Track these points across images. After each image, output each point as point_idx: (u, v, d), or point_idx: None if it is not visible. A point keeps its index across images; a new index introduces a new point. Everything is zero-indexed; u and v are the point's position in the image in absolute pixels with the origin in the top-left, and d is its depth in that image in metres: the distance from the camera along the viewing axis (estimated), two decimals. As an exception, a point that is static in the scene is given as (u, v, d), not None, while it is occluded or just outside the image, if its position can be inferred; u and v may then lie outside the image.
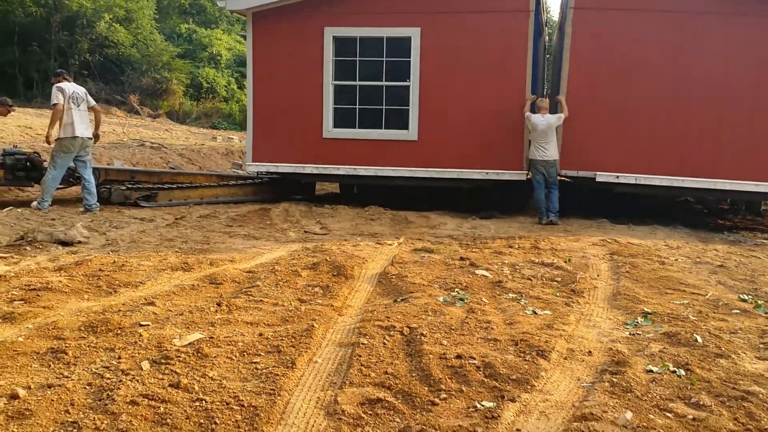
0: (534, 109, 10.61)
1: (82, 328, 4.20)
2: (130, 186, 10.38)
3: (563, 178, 11.33)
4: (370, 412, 3.25)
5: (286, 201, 11.51)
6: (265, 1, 11.20)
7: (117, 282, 5.45)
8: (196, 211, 10.15)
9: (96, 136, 10.01)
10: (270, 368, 3.68)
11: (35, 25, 29.45)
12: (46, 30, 29.63)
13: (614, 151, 10.52)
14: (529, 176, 11.04)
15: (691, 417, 3.34)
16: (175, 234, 8.15)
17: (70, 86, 9.74)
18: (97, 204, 9.61)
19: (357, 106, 11.31)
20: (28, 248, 6.84)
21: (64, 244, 7.16)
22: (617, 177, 10.50)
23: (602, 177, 10.54)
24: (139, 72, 33.47)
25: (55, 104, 9.49)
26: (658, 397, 3.57)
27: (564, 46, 10.68)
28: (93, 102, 10.00)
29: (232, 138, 26.96)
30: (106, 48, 32.06)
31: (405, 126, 11.14)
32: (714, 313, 5.31)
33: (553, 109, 10.95)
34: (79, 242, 7.30)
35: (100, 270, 5.82)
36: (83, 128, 9.65)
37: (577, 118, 10.39)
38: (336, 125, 11.36)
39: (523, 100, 10.70)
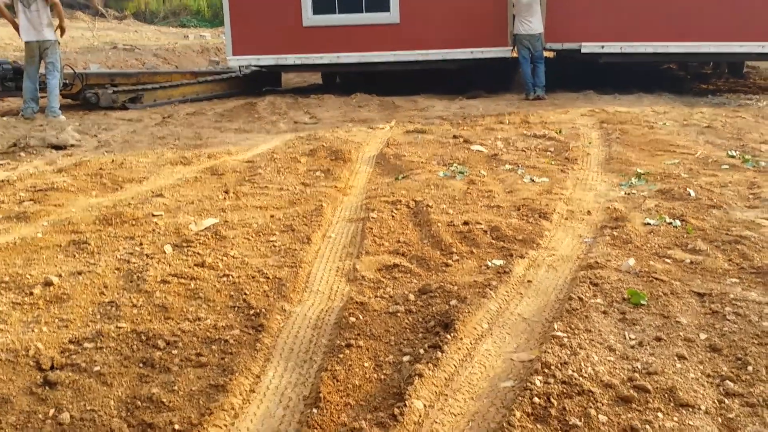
0: None
1: (97, 222, 4.31)
2: (116, 90, 10.25)
3: (548, 52, 11.27)
4: (389, 276, 3.43)
5: (270, 95, 11.43)
6: None
7: (120, 179, 5.52)
8: (183, 110, 10.07)
9: (61, 29, 9.38)
10: (287, 245, 3.84)
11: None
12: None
13: (598, 21, 10.42)
14: (514, 53, 10.97)
15: (688, 261, 3.55)
16: (166, 132, 8.14)
17: None
18: (59, 111, 9.29)
19: (336, -9, 11.07)
20: (22, 154, 6.84)
21: (57, 147, 7.15)
22: (602, 47, 10.47)
23: (587, 48, 10.50)
24: (101, -29, 32.18)
25: None
26: (656, 246, 3.78)
27: None
28: None
29: (204, 35, 26.30)
30: (64, -53, 30.71)
31: (386, 8, 10.93)
32: (704, 169, 5.49)
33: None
34: (72, 145, 7.29)
35: (101, 169, 5.87)
36: (33, 32, 9.09)
37: (559, -11, 10.25)
38: (315, 12, 11.12)
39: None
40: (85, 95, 9.92)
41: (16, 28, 9.25)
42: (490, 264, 3.53)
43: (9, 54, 11.83)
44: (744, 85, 12.26)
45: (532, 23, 10.11)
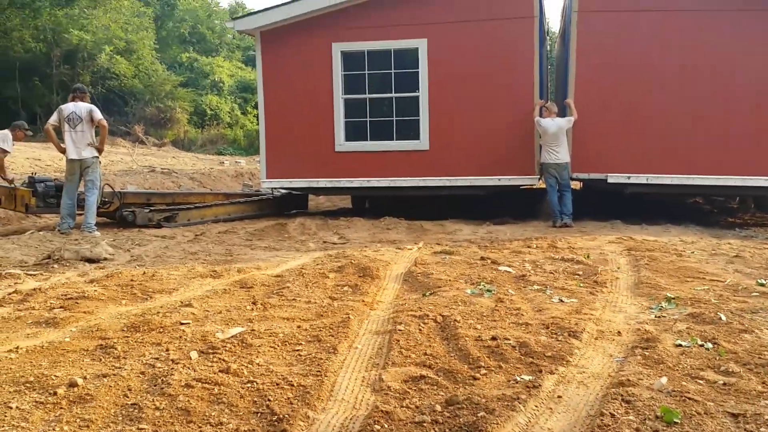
0: (542, 114, 10.78)
1: (125, 329, 4.33)
2: (152, 209, 10.57)
3: (574, 182, 11.46)
4: (415, 388, 3.37)
5: (300, 216, 11.67)
6: (273, 20, 11.46)
7: (150, 289, 5.59)
8: (215, 228, 10.31)
9: (99, 150, 9.78)
10: (313, 354, 3.81)
11: (36, 60, 29.81)
12: (47, 65, 29.99)
13: (624, 153, 10.66)
14: (541, 181, 11.18)
15: (721, 382, 3.45)
16: (198, 248, 8.30)
17: (70, 107, 9.66)
18: (95, 227, 9.52)
19: (368, 119, 11.51)
20: (55, 266, 6.98)
21: (91, 261, 7.31)
22: (628, 177, 10.64)
23: (614, 178, 10.68)
24: (143, 102, 33.82)
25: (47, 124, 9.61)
26: (688, 366, 3.69)
27: (569, 49, 10.88)
28: (99, 117, 9.70)
29: (239, 162, 27.23)
30: (108, 80, 32.41)
31: (416, 136, 11.32)
32: (734, 296, 5.42)
33: (562, 113, 11.12)
34: (105, 259, 7.45)
35: (132, 280, 5.96)
36: (77, 150, 9.53)
37: (586, 121, 10.56)
38: (348, 138, 11.55)
39: (532, 105, 10.87)
40: (121, 213, 10.21)
41: (62, 151, 9.68)
42: (518, 378, 3.46)
43: (49, 175, 12.28)
44: (772, 219, 12.27)
45: (559, 153, 10.36)
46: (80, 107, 9.64)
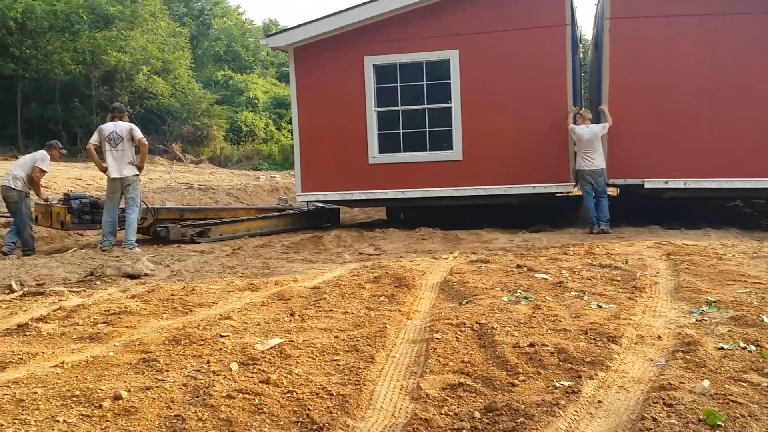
0: (576, 121, 10.71)
1: (167, 342, 4.41)
2: (185, 224, 10.71)
3: (611, 188, 11.36)
4: (453, 395, 3.38)
5: (335, 229, 11.74)
6: (306, 36, 11.59)
7: (190, 303, 5.67)
8: (252, 242, 10.42)
9: (139, 168, 9.94)
10: (351, 364, 3.84)
11: (76, 82, 30.55)
12: (87, 86, 30.70)
13: (661, 157, 10.54)
14: (577, 188, 11.10)
15: (765, 384, 3.40)
16: (236, 263, 8.39)
17: (110, 126, 9.81)
18: (135, 243, 9.68)
19: (401, 131, 11.55)
20: (98, 283, 7.12)
21: (132, 277, 7.44)
22: (666, 182, 10.51)
23: (651, 183, 10.56)
24: (180, 120, 34.39)
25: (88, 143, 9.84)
26: (731, 369, 3.64)
27: (602, 56, 10.82)
28: (139, 135, 9.86)
29: (274, 177, 27.48)
30: (146, 99, 33.05)
31: (449, 146, 11.33)
32: (777, 298, 5.32)
33: (596, 119, 11.04)
34: (146, 275, 7.57)
35: (172, 295, 6.06)
36: (118, 169, 9.68)
37: (620, 126, 10.46)
38: (381, 150, 11.60)
39: (566, 113, 10.81)
40: (155, 229, 10.37)
41: (103, 170, 9.87)
42: (558, 384, 3.45)
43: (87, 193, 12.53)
44: (815, 221, 12.01)
45: (595, 159, 10.28)
46: (120, 126, 9.81)
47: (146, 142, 10.00)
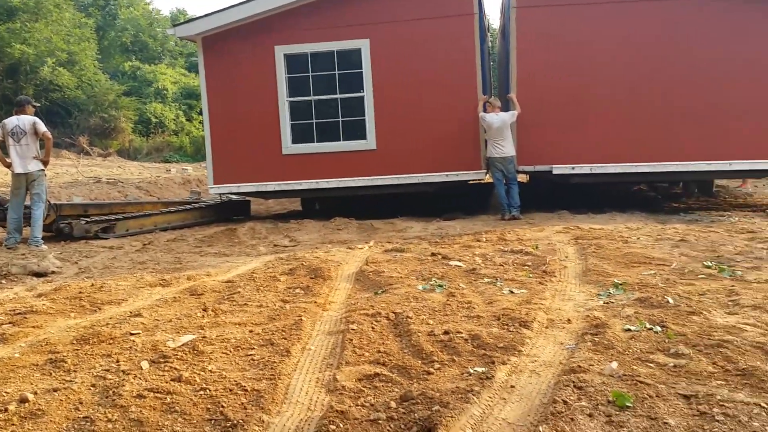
0: (486, 109, 10.88)
1: (75, 342, 4.24)
2: (89, 220, 10.33)
3: (521, 175, 11.60)
4: (369, 386, 3.37)
5: (250, 221, 11.58)
6: (214, 25, 11.34)
7: (99, 301, 5.48)
8: (163, 237, 10.15)
9: (44, 163, 9.48)
10: (266, 358, 3.78)
11: (-23, 76, 29.02)
12: (-10, 80, 29.21)
13: (568, 144, 10.83)
14: (489, 175, 11.28)
15: (672, 364, 3.53)
16: (147, 258, 8.16)
17: (13, 120, 9.36)
18: (41, 240, 9.32)
19: (314, 121, 11.46)
20: (3, 281, 6.81)
21: (38, 275, 7.14)
22: (573, 168, 10.82)
23: (558, 169, 10.85)
24: (86, 113, 33.08)
25: None
26: (638, 350, 3.77)
27: (510, 45, 11.01)
28: (43, 129, 9.38)
29: (186, 169, 26.86)
30: (51, 92, 31.62)
31: (363, 136, 11.32)
32: (681, 279, 5.55)
33: (506, 107, 11.25)
34: (53, 272, 7.28)
35: (80, 293, 5.84)
36: (23, 164, 9.26)
37: (529, 114, 10.68)
38: (294, 141, 11.49)
39: (476, 101, 10.97)
40: (58, 226, 9.96)
41: (7, 165, 9.39)
42: (472, 371, 3.49)
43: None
44: (715, 203, 12.60)
45: (504, 147, 10.47)
46: (23, 120, 9.35)
47: (50, 136, 9.54)
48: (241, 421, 2.96)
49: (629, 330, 4.12)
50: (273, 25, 11.31)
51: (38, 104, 10.31)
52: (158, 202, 12.99)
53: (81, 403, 3.20)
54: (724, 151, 10.58)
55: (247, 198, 12.97)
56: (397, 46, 11.15)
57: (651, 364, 3.55)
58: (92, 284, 6.21)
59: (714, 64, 10.57)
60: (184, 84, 40.20)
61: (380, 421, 2.91)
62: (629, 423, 2.83)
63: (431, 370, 3.55)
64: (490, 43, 17.63)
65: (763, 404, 2.97)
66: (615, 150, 10.73)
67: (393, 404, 3.08)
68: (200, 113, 33.48)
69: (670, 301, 4.72)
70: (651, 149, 10.69)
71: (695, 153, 10.61)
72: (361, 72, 11.24)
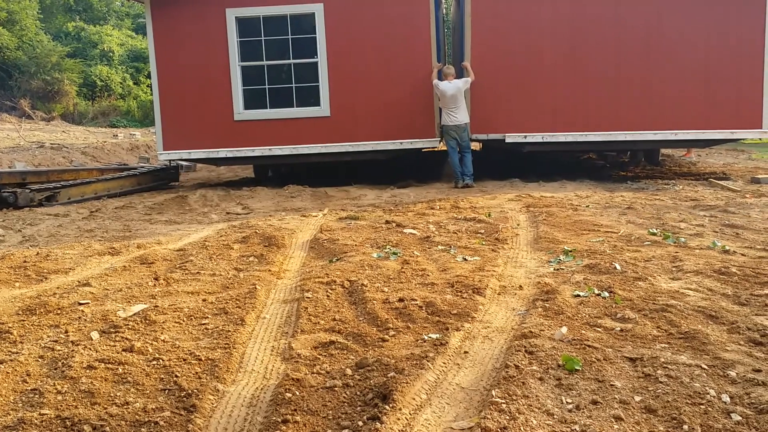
0: (441, 77, 10.86)
1: (20, 312, 4.15)
2: (34, 188, 10.07)
3: (474, 143, 11.65)
4: (325, 354, 3.38)
5: (201, 188, 11.43)
6: (163, -14, 11.03)
7: (45, 270, 5.36)
8: (111, 204, 9.95)
9: None
10: (220, 327, 3.76)
11: None
12: None
13: (521, 113, 10.92)
14: (442, 143, 11.31)
15: (618, 329, 3.62)
16: (94, 225, 7.99)
17: None
18: None
19: (266, 86, 11.29)
20: (-60, 251, 6.59)
21: (-21, 244, 6.94)
22: (525, 137, 10.91)
23: (511, 138, 10.93)
24: (28, 75, 32.05)
25: None
26: (587, 315, 3.85)
27: (464, 12, 10.98)
28: None
29: (134, 134, 26.31)
30: (-10, 53, 30.57)
31: (316, 102, 11.21)
32: (628, 246, 5.68)
33: (459, 75, 11.24)
34: (-5, 241, 7.09)
35: (25, 262, 5.70)
36: None
37: (483, 83, 10.71)
38: (246, 107, 11.32)
39: (430, 69, 10.94)
40: (1, 195, 9.68)
41: None
42: (426, 337, 3.53)
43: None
44: (660, 171, 12.87)
45: (458, 115, 10.49)
46: None
47: None
48: (195, 390, 2.94)
49: (578, 296, 4.21)
50: (224, -13, 11.06)
51: None
52: (93, 169, 12.71)
53: (29, 375, 3.14)
54: (670, 121, 10.80)
55: (176, 163, 12.79)
56: (351, 11, 11.02)
57: (599, 329, 3.64)
58: (38, 253, 6.06)
59: (661, 36, 10.73)
60: (131, 46, 39.18)
61: (336, 389, 2.93)
62: (578, 386, 2.90)
63: (386, 337, 3.57)
64: (444, 11, 17.54)
65: (703, 366, 3.07)
66: (566, 119, 10.86)
67: (349, 371, 3.10)
68: (148, 77, 32.69)
69: (618, 267, 4.82)
70: (600, 119, 10.85)
71: (642, 123, 10.81)
72: (315, 37, 11.08)
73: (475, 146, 14.87)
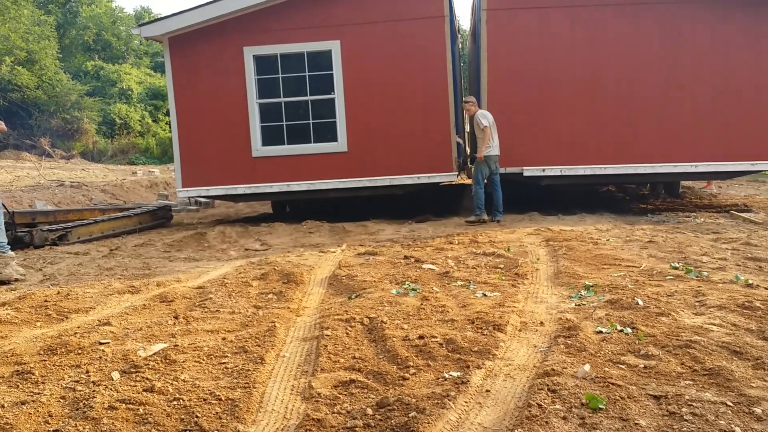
0: (464, 108, 10.81)
1: (42, 352, 4.16)
2: (47, 228, 10.20)
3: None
4: (345, 392, 3.36)
5: (220, 225, 11.49)
6: (182, 25, 11.21)
7: (66, 309, 5.38)
8: (131, 241, 10.03)
9: None
10: (240, 366, 3.74)
11: (-67, 75, 28.36)
12: (-55, 78, 28.56)
13: (539, 146, 10.93)
14: (460, 177, 11.29)
15: (642, 366, 3.57)
16: (114, 264, 8.04)
17: None
18: (7, 246, 9.03)
19: (284, 123, 11.40)
20: (-37, 290, 6.66)
21: (1, 283, 7.00)
22: (543, 170, 10.91)
23: (529, 171, 10.94)
24: (48, 114, 32.52)
25: None
26: (610, 352, 3.80)
27: (480, 47, 11.07)
28: None
29: (153, 171, 26.57)
30: (10, 92, 30.98)
31: (334, 138, 11.29)
32: (650, 280, 5.62)
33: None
34: (17, 280, 7.14)
35: (46, 301, 5.73)
36: None
37: (500, 116, 10.73)
38: (265, 143, 11.42)
39: (447, 103, 10.96)
40: (16, 234, 9.79)
41: None
42: (447, 376, 3.49)
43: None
44: (681, 204, 12.80)
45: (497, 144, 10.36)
46: None
47: (4, 127, 9.07)
48: (215, 431, 2.93)
49: (601, 332, 4.16)
50: (242, 25, 11.23)
51: None
52: (96, 209, 12.88)
53: (51, 415, 3.13)
54: (690, 153, 10.77)
55: (168, 203, 12.97)
56: (367, 47, 11.14)
57: (622, 366, 3.59)
58: (58, 292, 6.10)
59: (679, 67, 10.75)
60: (149, 84, 39.76)
61: (357, 429, 2.90)
62: (602, 425, 2.85)
63: (407, 375, 3.54)
64: (460, 45, 17.69)
65: (729, 403, 3.01)
66: (584, 152, 10.86)
67: (369, 411, 3.07)
68: (167, 114, 33.17)
69: (640, 302, 4.77)
70: (619, 151, 10.84)
71: (662, 155, 10.78)
72: (332, 74, 11.21)
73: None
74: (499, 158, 10.53)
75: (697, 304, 4.83)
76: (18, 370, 3.81)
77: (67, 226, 10.42)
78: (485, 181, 10.41)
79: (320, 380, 3.49)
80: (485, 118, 10.35)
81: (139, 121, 36.74)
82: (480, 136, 10.33)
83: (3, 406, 3.25)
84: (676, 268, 6.07)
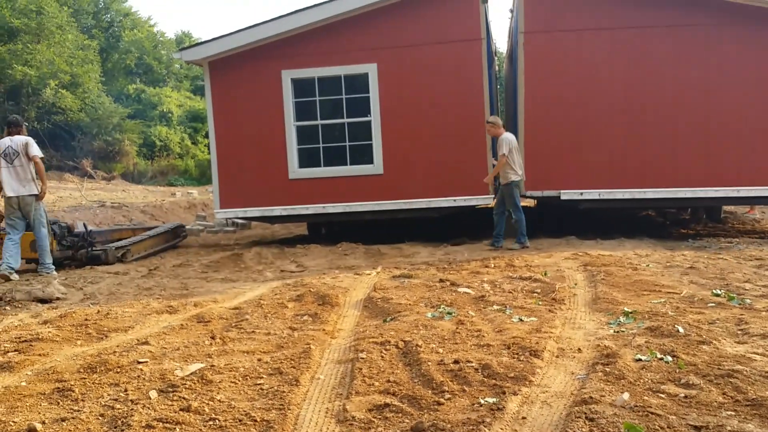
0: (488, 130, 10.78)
1: (82, 370, 4.22)
2: (117, 246, 10.46)
3: (529, 200, 11.56)
4: (380, 416, 3.34)
5: (256, 246, 11.58)
6: (221, 50, 11.41)
7: (106, 328, 5.46)
8: (169, 262, 10.16)
9: (41, 189, 9.10)
10: (275, 387, 3.75)
11: (-21, 97, 29.16)
12: (-9, 101, 29.33)
13: (576, 169, 10.84)
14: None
15: (683, 395, 3.50)
16: (152, 284, 8.14)
17: (6, 141, 9.08)
18: (52, 266, 9.08)
19: (321, 145, 11.50)
20: (7, 308, 6.79)
21: (43, 301, 7.13)
22: (581, 194, 10.81)
23: (566, 195, 10.84)
24: (90, 136, 33.18)
25: None
26: (649, 381, 3.73)
27: (517, 69, 11.06)
28: (33, 152, 9.03)
29: (191, 193, 26.92)
30: (54, 115, 31.70)
31: (370, 160, 11.34)
32: (691, 307, 5.51)
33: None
34: (58, 298, 7.27)
35: (86, 320, 5.82)
36: (16, 186, 8.94)
37: (537, 139, 10.70)
38: (301, 165, 11.52)
39: (483, 125, 10.92)
40: (91, 253, 10.00)
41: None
42: (482, 401, 3.46)
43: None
44: (723, 229, 12.56)
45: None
46: (16, 141, 9.06)
47: (39, 159, 9.12)
48: (250, 453, 2.93)
49: (640, 360, 4.08)
50: (280, 49, 11.38)
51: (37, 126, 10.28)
52: (125, 229, 13.08)
53: (89, 433, 3.17)
54: (732, 177, 10.58)
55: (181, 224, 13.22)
56: (404, 70, 11.21)
57: (662, 395, 3.52)
58: (98, 311, 6.19)
59: (722, 89, 10.60)
60: (189, 107, 40.40)
61: (392, 454, 2.88)
62: (643, 456, 2.80)
63: (442, 400, 3.51)
64: (497, 68, 17.71)
65: (774, 435, 2.94)
66: (623, 175, 10.74)
67: (404, 436, 3.05)
68: (206, 136, 33.64)
69: (680, 330, 4.68)
70: (659, 175, 10.70)
71: (703, 179, 10.60)
72: (368, 96, 11.29)
73: (530, 203, 14.78)
74: (524, 183, 10.43)
75: (739, 332, 4.72)
76: (59, 388, 3.87)
77: (124, 244, 10.66)
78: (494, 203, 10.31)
79: (355, 403, 3.48)
80: (508, 144, 10.08)
81: (179, 143, 37.32)
82: (500, 160, 10.16)
83: (44, 423, 3.30)
84: (717, 295, 5.94)
